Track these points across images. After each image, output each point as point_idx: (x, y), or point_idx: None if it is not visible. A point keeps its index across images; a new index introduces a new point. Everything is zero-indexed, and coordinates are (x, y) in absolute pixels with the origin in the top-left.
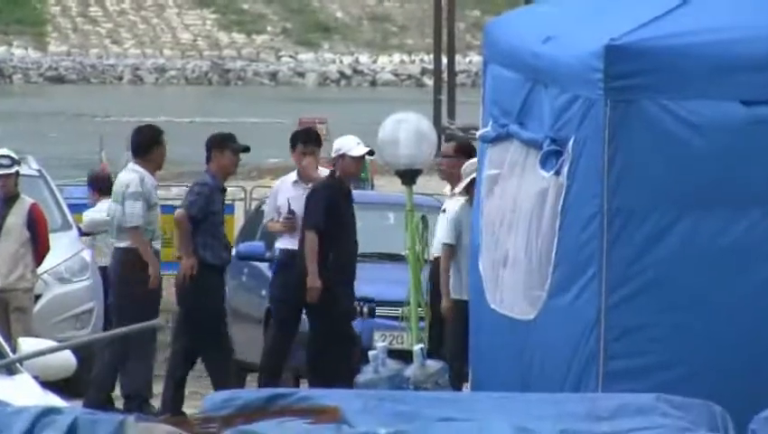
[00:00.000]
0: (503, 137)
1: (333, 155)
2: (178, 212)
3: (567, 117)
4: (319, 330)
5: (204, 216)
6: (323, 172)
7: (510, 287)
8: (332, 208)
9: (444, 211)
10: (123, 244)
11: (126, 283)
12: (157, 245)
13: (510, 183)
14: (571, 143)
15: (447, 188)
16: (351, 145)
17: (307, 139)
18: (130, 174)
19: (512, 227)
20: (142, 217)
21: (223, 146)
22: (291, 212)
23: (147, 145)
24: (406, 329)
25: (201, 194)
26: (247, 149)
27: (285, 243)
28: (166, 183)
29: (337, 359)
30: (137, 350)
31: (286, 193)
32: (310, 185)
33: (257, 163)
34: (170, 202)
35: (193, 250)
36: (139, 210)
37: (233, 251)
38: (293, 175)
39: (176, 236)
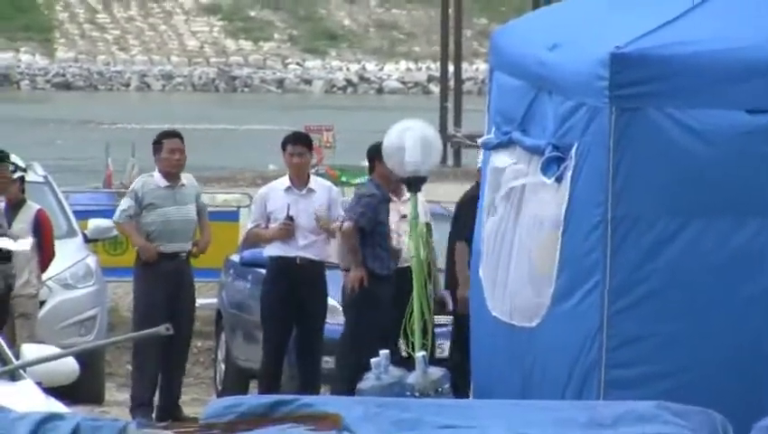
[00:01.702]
0: (506, 144)
1: (479, 165)
2: (346, 224)
3: (571, 124)
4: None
5: (373, 227)
6: (317, 180)
7: (513, 294)
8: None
9: None
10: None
11: (136, 283)
12: (171, 248)
13: (513, 190)
14: (574, 150)
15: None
16: None
17: (297, 140)
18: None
19: (515, 234)
20: (123, 213)
21: None
22: (290, 217)
23: None
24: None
25: (369, 205)
26: None
27: (277, 250)
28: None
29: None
30: (141, 356)
31: (280, 199)
32: (305, 190)
33: (262, 170)
34: None
35: (362, 262)
36: (122, 205)
37: (237, 258)
38: (283, 181)
39: (344, 248)
